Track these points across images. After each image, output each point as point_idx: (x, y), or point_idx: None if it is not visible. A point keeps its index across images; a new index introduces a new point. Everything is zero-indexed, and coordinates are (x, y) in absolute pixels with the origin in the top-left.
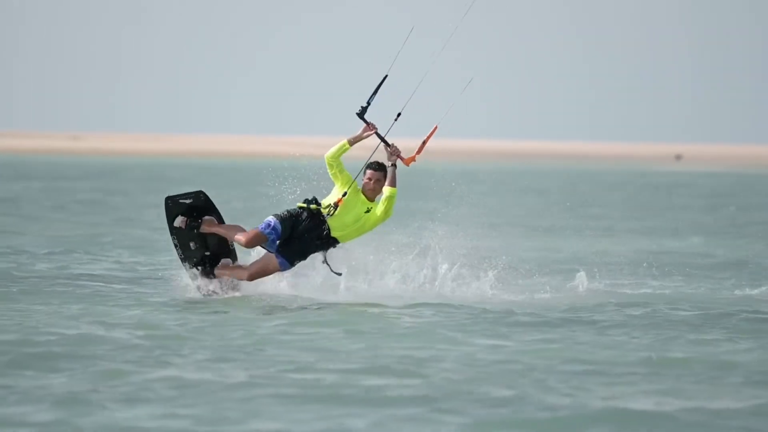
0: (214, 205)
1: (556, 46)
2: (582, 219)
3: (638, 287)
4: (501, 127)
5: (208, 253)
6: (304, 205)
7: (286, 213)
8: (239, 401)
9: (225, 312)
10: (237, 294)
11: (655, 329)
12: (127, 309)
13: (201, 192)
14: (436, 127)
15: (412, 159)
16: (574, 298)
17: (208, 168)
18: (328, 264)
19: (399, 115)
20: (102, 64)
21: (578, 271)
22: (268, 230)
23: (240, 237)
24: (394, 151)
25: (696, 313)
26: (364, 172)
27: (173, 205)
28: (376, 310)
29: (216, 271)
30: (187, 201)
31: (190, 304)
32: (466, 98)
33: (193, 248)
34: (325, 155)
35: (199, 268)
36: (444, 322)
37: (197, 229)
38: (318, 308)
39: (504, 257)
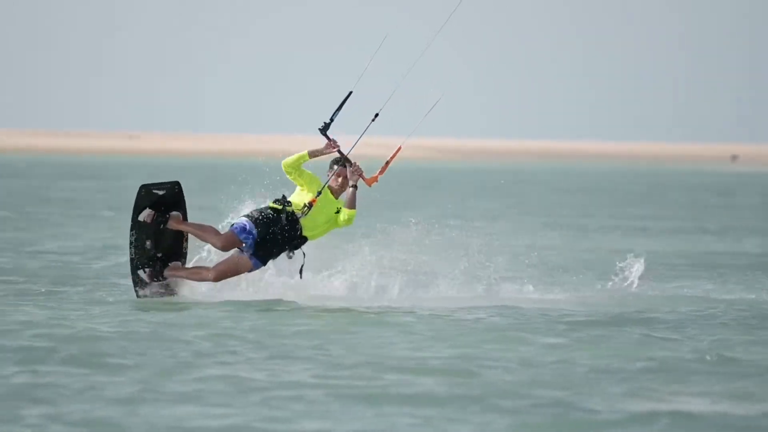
0: (184, 200)
1: (611, 43)
2: (636, 219)
3: (693, 288)
4: (551, 127)
5: (159, 255)
6: (279, 206)
7: (258, 214)
8: (292, 400)
9: (279, 312)
10: (174, 296)
11: (711, 330)
12: (180, 308)
13: (177, 183)
14: (400, 148)
15: (375, 179)
16: (628, 298)
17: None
18: (301, 269)
19: (377, 115)
20: (156, 63)
21: (632, 271)
22: (244, 235)
23: (215, 241)
24: (356, 170)
25: (752, 313)
26: (331, 168)
27: (145, 195)
28: (429, 311)
29: (167, 273)
30: (160, 192)
31: (245, 304)
32: (508, 96)
33: (148, 247)
34: (283, 162)
35: (147, 270)
36: (498, 323)
37: (164, 224)
38: (370, 310)
39: (558, 257)
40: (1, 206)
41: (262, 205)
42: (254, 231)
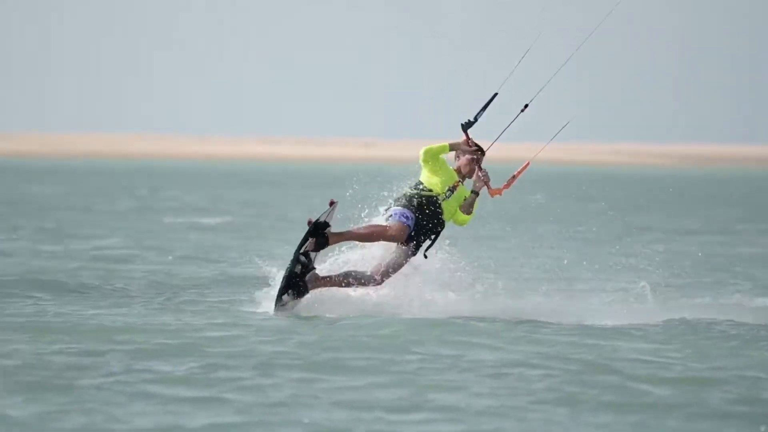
0: (332, 215)
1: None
2: None
3: None
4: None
5: (298, 272)
6: (418, 191)
7: (406, 201)
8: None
9: (466, 323)
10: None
11: None
12: (351, 317)
13: (335, 202)
14: (528, 163)
15: (498, 192)
16: None
17: None
18: (427, 248)
19: (526, 106)
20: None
21: None
22: (409, 222)
23: (392, 233)
24: (483, 177)
25: None
26: (463, 154)
27: (314, 229)
28: (663, 318)
29: (312, 285)
30: (324, 218)
31: (466, 319)
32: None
33: (297, 271)
34: (424, 149)
35: (290, 292)
36: (735, 331)
37: (326, 244)
38: (598, 316)
39: (735, 266)
40: (242, 214)
41: (400, 193)
42: (412, 217)
